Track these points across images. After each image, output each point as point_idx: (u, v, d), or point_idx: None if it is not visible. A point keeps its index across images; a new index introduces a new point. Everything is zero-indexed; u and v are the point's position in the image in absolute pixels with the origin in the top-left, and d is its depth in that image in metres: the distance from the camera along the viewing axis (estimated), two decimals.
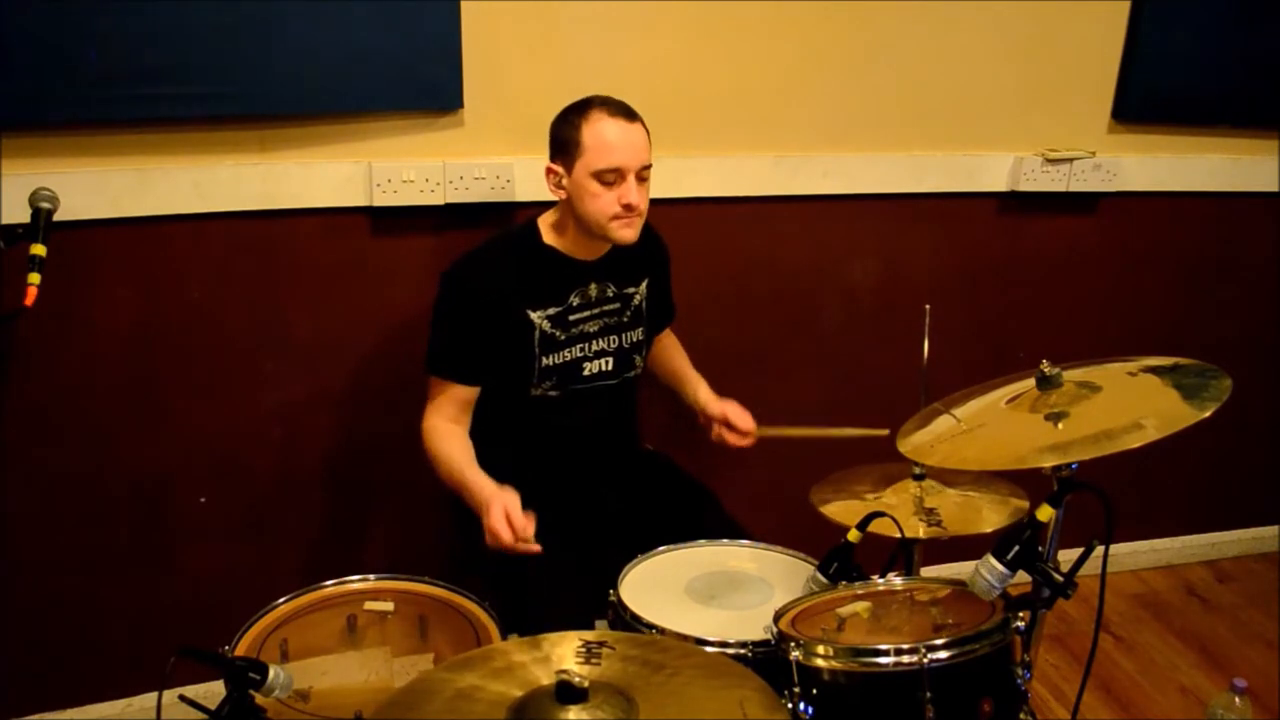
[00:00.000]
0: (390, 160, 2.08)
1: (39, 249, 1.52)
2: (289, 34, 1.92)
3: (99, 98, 1.85)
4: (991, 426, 1.61)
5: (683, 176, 2.26)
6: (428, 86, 2.06)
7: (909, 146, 2.45)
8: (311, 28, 1.93)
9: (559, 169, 1.80)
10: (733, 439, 1.97)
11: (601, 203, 1.75)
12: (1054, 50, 2.46)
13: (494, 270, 1.83)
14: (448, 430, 1.86)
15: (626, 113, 1.76)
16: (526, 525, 1.62)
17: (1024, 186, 2.52)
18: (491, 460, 1.90)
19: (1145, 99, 2.55)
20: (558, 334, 1.86)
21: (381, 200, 2.08)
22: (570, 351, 1.88)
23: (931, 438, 1.65)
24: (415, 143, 2.10)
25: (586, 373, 1.90)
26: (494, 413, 1.89)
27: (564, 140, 1.77)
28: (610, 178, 1.74)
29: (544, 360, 1.85)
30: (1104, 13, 2.47)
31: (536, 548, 1.63)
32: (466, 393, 1.86)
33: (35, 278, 1.49)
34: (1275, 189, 2.73)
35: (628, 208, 1.76)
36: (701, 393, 2.05)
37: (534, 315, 1.83)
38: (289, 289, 2.12)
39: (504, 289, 1.81)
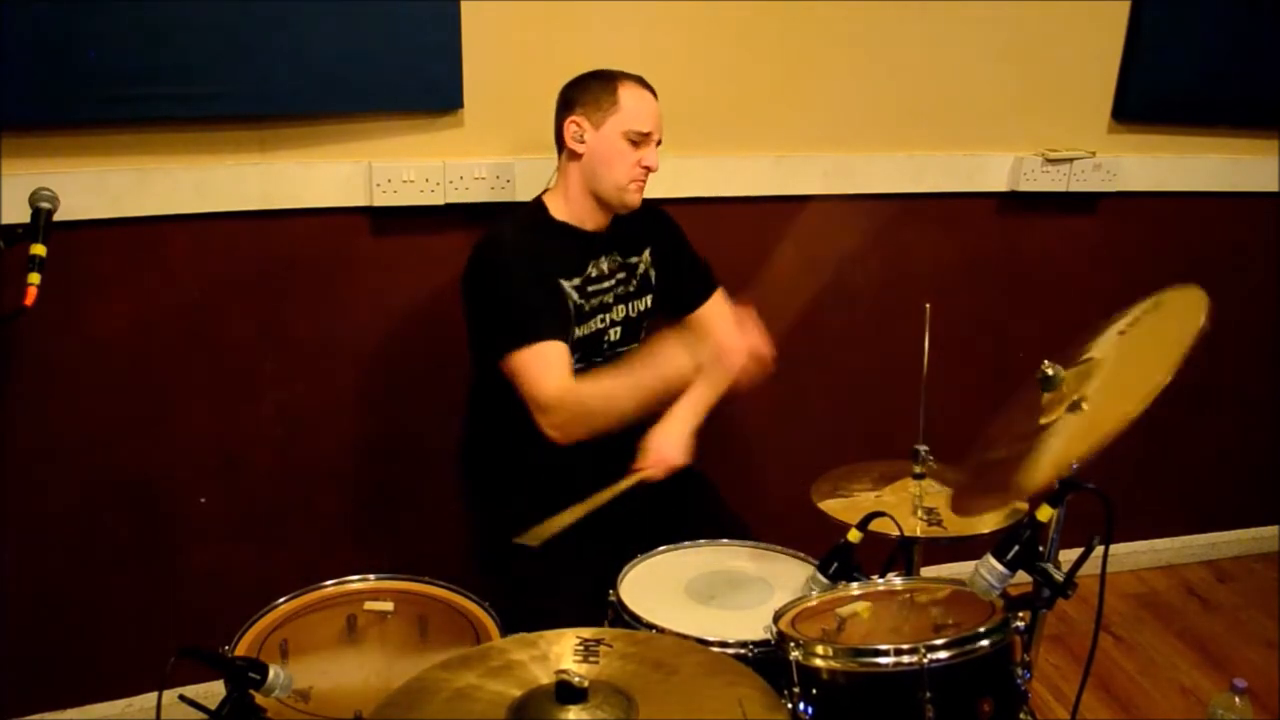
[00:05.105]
0: (390, 160, 2.08)
1: (39, 249, 1.52)
2: (289, 34, 1.92)
3: (99, 98, 1.85)
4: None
5: (683, 176, 2.26)
6: (428, 86, 2.06)
7: (909, 146, 2.45)
8: (311, 28, 1.93)
9: (585, 122, 1.84)
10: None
11: (626, 162, 1.84)
12: (1054, 50, 2.46)
13: (522, 243, 1.85)
14: (578, 380, 1.78)
15: (650, 87, 1.89)
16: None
17: (1024, 186, 2.52)
18: (502, 455, 1.90)
19: (1145, 99, 2.55)
20: (584, 304, 1.89)
21: (381, 200, 2.08)
22: (594, 323, 1.92)
23: None
24: (415, 143, 2.11)
25: (606, 342, 1.95)
26: (515, 399, 1.81)
27: (595, 98, 1.84)
28: (637, 139, 1.84)
29: (576, 331, 1.88)
30: (1104, 13, 2.47)
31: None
32: (562, 350, 1.77)
33: (35, 278, 1.49)
34: (1275, 189, 2.73)
35: (647, 169, 1.85)
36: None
37: (566, 285, 1.87)
38: (289, 289, 2.12)
39: (539, 257, 1.83)
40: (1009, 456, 1.56)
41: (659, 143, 1.89)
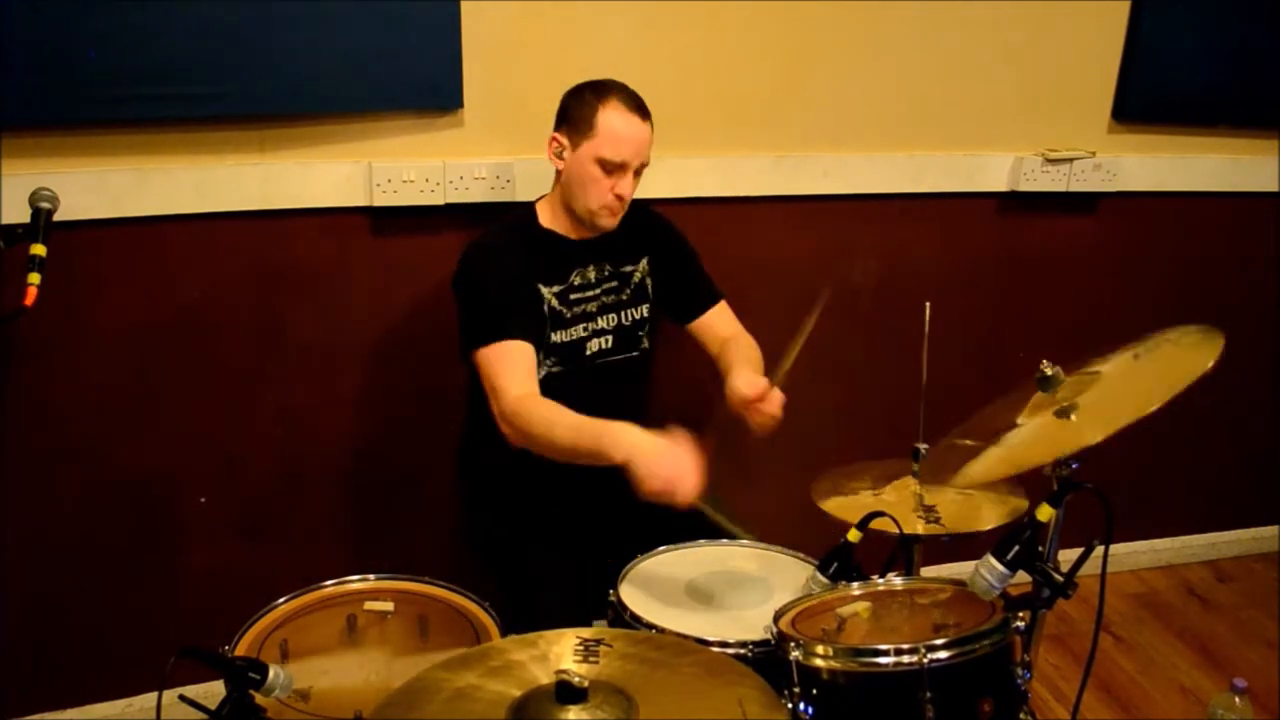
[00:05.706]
0: (390, 160, 2.08)
1: (39, 249, 1.52)
2: (289, 34, 1.92)
3: (99, 98, 1.85)
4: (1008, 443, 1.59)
5: (683, 176, 2.26)
6: (428, 86, 2.06)
7: (909, 146, 2.45)
8: (311, 28, 1.93)
9: (564, 140, 1.84)
10: (758, 417, 1.86)
11: (598, 188, 1.82)
12: (1054, 50, 2.46)
13: (504, 248, 1.88)
14: (538, 398, 1.74)
15: (641, 110, 1.83)
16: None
17: (1024, 186, 2.52)
18: (497, 454, 1.89)
19: (1145, 99, 2.55)
20: (564, 311, 1.89)
21: (381, 200, 2.08)
22: (575, 330, 1.91)
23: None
24: (415, 143, 2.11)
25: (589, 351, 1.93)
26: None
27: (577, 117, 1.82)
28: (611, 167, 1.81)
29: (552, 336, 1.88)
30: (1104, 13, 2.47)
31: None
32: (527, 351, 1.78)
33: (35, 278, 1.49)
34: (1275, 189, 2.73)
35: (619, 198, 1.83)
36: (735, 379, 1.88)
37: (544, 290, 1.87)
38: (289, 289, 2.12)
39: (517, 263, 1.86)
40: (973, 446, 1.60)
41: (643, 167, 1.85)
